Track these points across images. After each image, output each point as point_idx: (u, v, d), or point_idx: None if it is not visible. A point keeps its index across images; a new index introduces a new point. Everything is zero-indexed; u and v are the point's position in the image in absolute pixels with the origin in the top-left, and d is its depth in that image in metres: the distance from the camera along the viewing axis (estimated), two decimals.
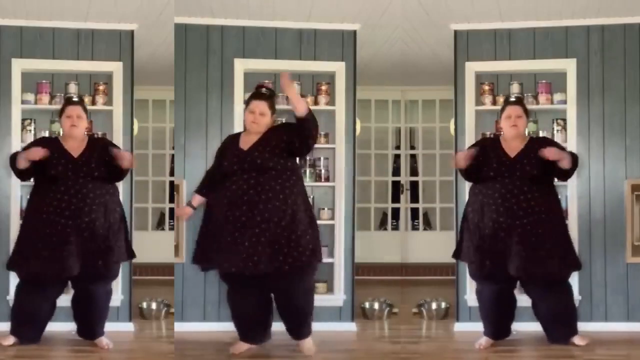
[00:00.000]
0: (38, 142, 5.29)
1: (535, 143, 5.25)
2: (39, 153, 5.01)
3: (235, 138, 5.15)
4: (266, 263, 4.76)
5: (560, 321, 5.23)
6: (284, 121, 5.56)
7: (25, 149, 5.20)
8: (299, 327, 5.04)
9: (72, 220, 4.99)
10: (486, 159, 5.18)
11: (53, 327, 5.53)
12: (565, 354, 5.11)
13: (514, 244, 5.03)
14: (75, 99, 5.43)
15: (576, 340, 5.23)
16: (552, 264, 5.04)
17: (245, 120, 5.08)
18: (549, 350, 5.17)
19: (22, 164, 5.05)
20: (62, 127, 5.26)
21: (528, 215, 5.04)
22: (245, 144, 4.99)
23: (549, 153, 5.03)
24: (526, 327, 5.61)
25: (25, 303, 5.17)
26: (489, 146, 5.28)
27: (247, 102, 5.11)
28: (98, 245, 5.05)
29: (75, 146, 5.17)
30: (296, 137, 4.88)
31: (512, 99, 5.39)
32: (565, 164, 5.06)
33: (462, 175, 5.36)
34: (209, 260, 4.96)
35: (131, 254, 5.35)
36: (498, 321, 5.31)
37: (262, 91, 5.07)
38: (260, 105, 4.99)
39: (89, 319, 5.28)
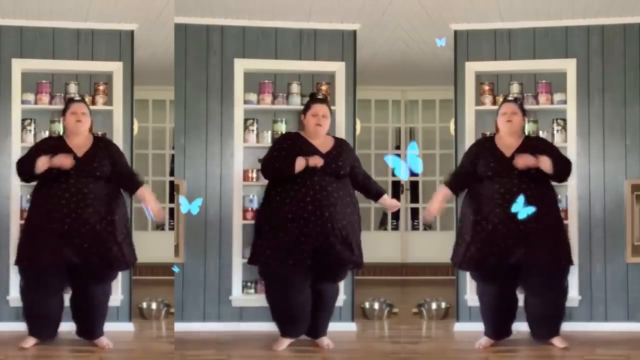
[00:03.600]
0: (44, 142, 5.31)
1: (531, 141, 5.27)
2: (67, 161, 5.02)
3: (302, 138, 5.25)
4: (344, 258, 5.12)
5: (547, 320, 5.23)
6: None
7: (33, 150, 5.20)
8: (325, 325, 5.36)
9: (72, 218, 4.99)
10: (481, 160, 5.18)
11: None
12: (565, 354, 5.11)
13: (513, 239, 5.03)
14: (77, 97, 5.45)
15: (556, 341, 5.22)
16: (543, 252, 5.02)
17: (308, 124, 5.24)
18: (549, 350, 5.17)
19: (43, 167, 5.03)
20: (67, 124, 5.24)
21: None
22: (320, 147, 5.20)
23: (521, 161, 5.04)
24: (526, 327, 5.61)
25: (34, 302, 5.17)
26: (483, 147, 5.28)
27: (307, 106, 5.31)
28: (98, 244, 5.04)
29: (79, 144, 5.17)
30: (358, 181, 5.33)
31: (509, 99, 5.40)
32: (544, 167, 5.05)
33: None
34: (287, 255, 5.03)
35: (130, 261, 5.28)
36: (499, 321, 5.30)
37: (320, 96, 5.46)
38: (323, 109, 5.26)
39: (88, 319, 5.28)
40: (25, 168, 5.13)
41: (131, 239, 5.30)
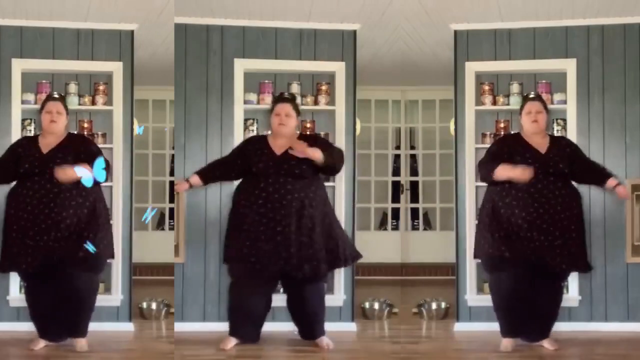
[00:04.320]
0: (17, 144, 5.29)
1: (560, 142, 5.28)
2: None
3: (263, 140, 5.29)
4: (308, 264, 5.07)
5: (542, 320, 5.20)
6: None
7: (6, 153, 5.23)
8: (321, 326, 5.31)
9: (36, 216, 4.97)
10: (512, 155, 5.15)
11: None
12: (565, 353, 5.11)
13: (541, 236, 5.03)
14: (55, 95, 5.42)
15: (546, 343, 5.19)
16: (564, 255, 5.04)
17: (273, 124, 5.28)
18: (550, 350, 5.16)
19: None
20: (42, 122, 5.24)
21: (560, 212, 5.05)
22: (277, 148, 5.18)
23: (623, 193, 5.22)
24: None
25: (38, 302, 5.15)
26: (512, 143, 5.26)
27: (271, 108, 5.35)
28: (67, 242, 5.00)
29: (50, 142, 5.15)
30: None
31: (532, 96, 5.40)
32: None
33: (485, 176, 5.26)
34: (242, 256, 5.09)
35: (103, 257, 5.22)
36: (518, 316, 5.17)
37: (285, 95, 5.41)
38: (286, 107, 5.26)
39: (70, 317, 5.17)
40: None
41: (110, 235, 5.25)
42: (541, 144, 5.21)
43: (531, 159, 5.13)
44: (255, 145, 5.25)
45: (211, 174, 5.37)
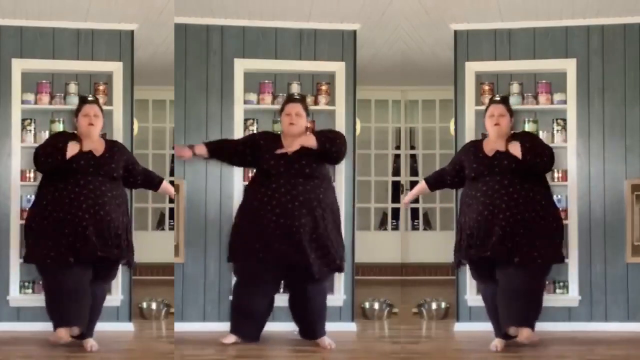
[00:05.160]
0: (62, 135, 5.27)
1: (516, 138, 5.18)
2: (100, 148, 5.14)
3: (277, 139, 5.29)
4: (323, 264, 5.15)
5: (516, 307, 5.02)
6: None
7: (54, 140, 5.17)
8: (321, 326, 5.31)
9: (90, 214, 4.99)
10: (466, 162, 5.20)
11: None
12: (564, 354, 5.11)
13: (496, 238, 4.98)
14: (90, 97, 5.44)
15: (524, 332, 5.02)
16: (524, 252, 4.97)
17: (283, 123, 5.30)
18: (550, 351, 5.16)
19: (73, 152, 5.03)
20: (79, 126, 5.19)
21: (511, 209, 4.98)
22: (289, 147, 5.17)
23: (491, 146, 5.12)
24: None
25: (59, 294, 5.08)
26: (468, 150, 5.28)
27: (281, 108, 5.36)
28: (113, 242, 5.07)
29: (94, 145, 5.14)
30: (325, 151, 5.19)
31: (497, 98, 5.36)
32: (514, 152, 5.02)
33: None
34: (252, 255, 5.12)
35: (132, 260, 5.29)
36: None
37: (295, 95, 5.48)
38: (296, 107, 5.29)
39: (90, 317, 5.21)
40: (51, 154, 5.04)
41: (132, 239, 5.30)
42: (496, 147, 5.13)
43: (476, 163, 5.13)
44: (269, 142, 5.24)
45: (219, 150, 5.33)
